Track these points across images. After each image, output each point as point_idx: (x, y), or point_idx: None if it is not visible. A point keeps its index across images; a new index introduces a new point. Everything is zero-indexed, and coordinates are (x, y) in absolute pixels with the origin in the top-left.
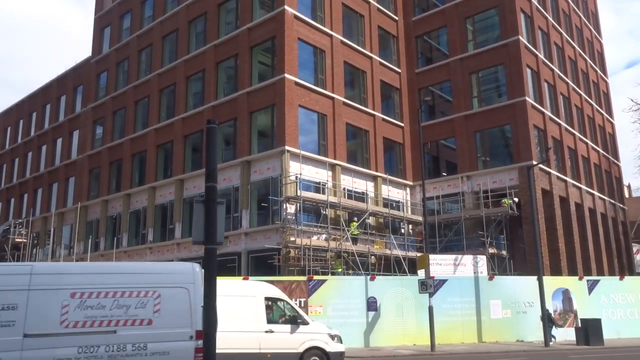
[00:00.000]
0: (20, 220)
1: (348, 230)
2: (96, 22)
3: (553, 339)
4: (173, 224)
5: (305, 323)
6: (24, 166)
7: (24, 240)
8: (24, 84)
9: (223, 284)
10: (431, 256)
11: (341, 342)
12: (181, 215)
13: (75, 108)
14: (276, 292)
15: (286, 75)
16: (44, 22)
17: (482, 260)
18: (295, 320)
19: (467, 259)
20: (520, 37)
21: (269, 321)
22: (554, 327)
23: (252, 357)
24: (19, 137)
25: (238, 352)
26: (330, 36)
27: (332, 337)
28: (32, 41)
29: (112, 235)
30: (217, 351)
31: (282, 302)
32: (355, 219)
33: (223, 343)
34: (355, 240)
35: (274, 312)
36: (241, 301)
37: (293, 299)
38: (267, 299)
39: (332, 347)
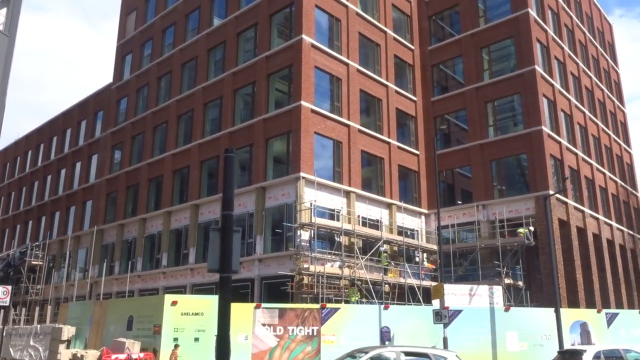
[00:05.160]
0: (37, 243)
1: (379, 262)
2: (118, 50)
3: None
4: (187, 249)
5: None
6: (43, 189)
7: (40, 263)
8: (47, 108)
9: None
10: (446, 286)
11: None
12: (196, 240)
13: (95, 133)
14: None
15: (302, 102)
16: (66, 49)
17: (498, 290)
18: None
19: (483, 289)
20: (537, 67)
21: None
22: None
23: None
24: (39, 161)
25: None
26: (347, 64)
27: None
28: (55, 67)
29: (127, 259)
30: None
31: None
32: (387, 250)
33: None
34: (385, 271)
35: None
36: None
37: (305, 327)
38: None
39: None
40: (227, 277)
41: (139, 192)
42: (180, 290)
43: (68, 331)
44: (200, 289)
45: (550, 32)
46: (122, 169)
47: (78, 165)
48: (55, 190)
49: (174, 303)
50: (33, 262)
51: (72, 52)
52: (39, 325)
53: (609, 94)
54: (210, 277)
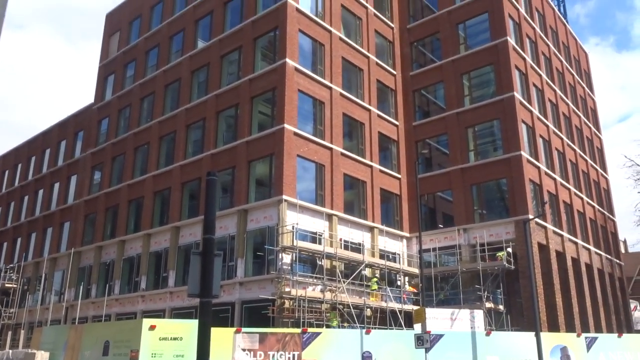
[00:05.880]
0: (12, 265)
1: (367, 286)
2: (100, 70)
3: None
4: (167, 272)
5: None
6: (20, 210)
7: (14, 286)
8: (25, 128)
9: None
10: (428, 310)
11: None
12: (175, 263)
13: (75, 153)
14: None
15: (285, 125)
16: (46, 68)
17: (479, 315)
18: None
19: (464, 313)
20: (515, 94)
21: None
22: None
23: None
24: (16, 181)
25: None
26: (330, 88)
27: None
28: (34, 86)
29: (105, 282)
30: None
31: None
32: (377, 275)
33: None
34: (380, 296)
35: None
36: None
37: (286, 352)
38: None
39: None
40: (207, 302)
41: (118, 214)
42: (159, 314)
43: (41, 357)
44: (179, 312)
45: (529, 59)
46: (102, 190)
47: (56, 186)
48: (32, 211)
49: (152, 327)
50: (7, 285)
51: (51, 71)
52: (11, 351)
53: (586, 120)
54: (190, 300)
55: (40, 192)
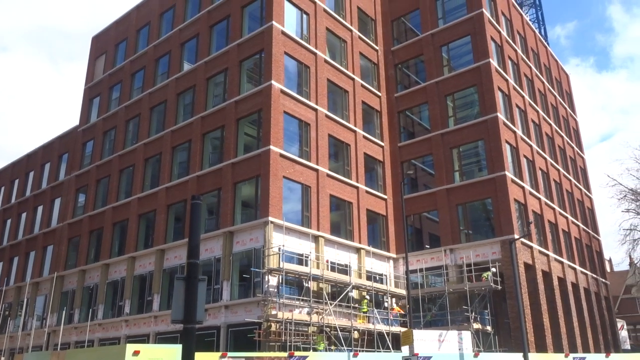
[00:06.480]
0: None
1: (360, 309)
2: (86, 93)
3: None
4: (151, 296)
5: None
6: (2, 234)
7: None
8: (9, 150)
9: None
10: (415, 332)
11: None
12: (160, 286)
13: (59, 176)
14: None
15: (271, 147)
16: (29, 90)
17: (467, 336)
18: None
19: (452, 334)
20: (499, 114)
21: None
22: None
23: None
24: None
25: None
26: (316, 110)
27: None
28: (17, 108)
29: (88, 306)
30: None
31: None
32: (368, 297)
33: None
34: (367, 319)
35: None
36: None
37: None
38: None
39: None
40: (191, 328)
41: (102, 237)
42: (143, 339)
43: None
44: (164, 337)
45: (511, 81)
46: (86, 213)
47: (39, 209)
48: (15, 235)
49: (136, 353)
50: None
51: (36, 93)
52: None
53: (569, 140)
54: (175, 325)
55: (24, 215)
